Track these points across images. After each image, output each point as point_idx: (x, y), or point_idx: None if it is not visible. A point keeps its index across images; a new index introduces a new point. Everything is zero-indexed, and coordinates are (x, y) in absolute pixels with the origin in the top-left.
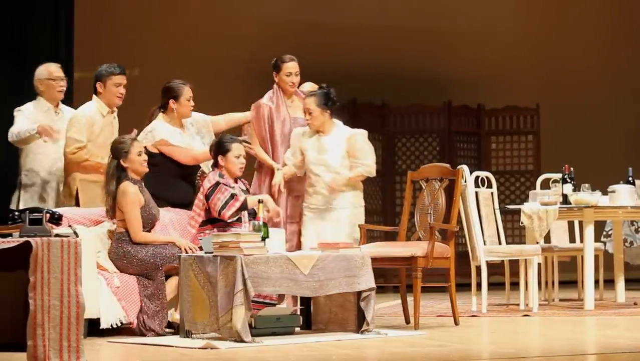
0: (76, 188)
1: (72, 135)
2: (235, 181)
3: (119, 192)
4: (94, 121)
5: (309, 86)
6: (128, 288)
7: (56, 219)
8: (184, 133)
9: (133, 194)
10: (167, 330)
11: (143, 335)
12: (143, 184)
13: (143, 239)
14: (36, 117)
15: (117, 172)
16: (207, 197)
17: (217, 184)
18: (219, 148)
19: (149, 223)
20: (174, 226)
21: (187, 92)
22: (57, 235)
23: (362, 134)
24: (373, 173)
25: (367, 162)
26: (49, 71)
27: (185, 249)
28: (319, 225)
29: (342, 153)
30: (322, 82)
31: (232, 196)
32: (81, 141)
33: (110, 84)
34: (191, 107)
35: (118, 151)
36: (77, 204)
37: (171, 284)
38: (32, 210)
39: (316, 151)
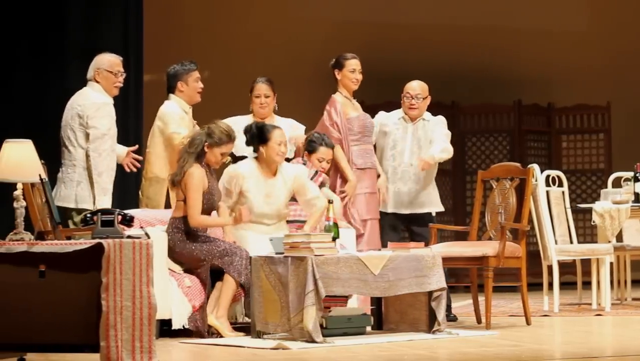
0: (166, 186)
1: (174, 130)
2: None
3: (186, 173)
4: (182, 118)
5: (416, 84)
6: (199, 288)
7: (128, 221)
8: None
9: (197, 178)
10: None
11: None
12: (211, 169)
13: (198, 223)
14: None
15: (201, 151)
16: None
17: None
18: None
19: (207, 210)
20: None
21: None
22: (129, 237)
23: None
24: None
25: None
26: (110, 63)
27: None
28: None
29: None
30: (389, 82)
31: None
32: (180, 133)
33: (192, 81)
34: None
35: (215, 136)
36: (168, 203)
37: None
38: (104, 212)
39: (263, 195)
